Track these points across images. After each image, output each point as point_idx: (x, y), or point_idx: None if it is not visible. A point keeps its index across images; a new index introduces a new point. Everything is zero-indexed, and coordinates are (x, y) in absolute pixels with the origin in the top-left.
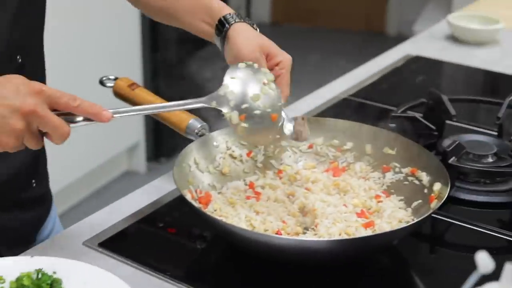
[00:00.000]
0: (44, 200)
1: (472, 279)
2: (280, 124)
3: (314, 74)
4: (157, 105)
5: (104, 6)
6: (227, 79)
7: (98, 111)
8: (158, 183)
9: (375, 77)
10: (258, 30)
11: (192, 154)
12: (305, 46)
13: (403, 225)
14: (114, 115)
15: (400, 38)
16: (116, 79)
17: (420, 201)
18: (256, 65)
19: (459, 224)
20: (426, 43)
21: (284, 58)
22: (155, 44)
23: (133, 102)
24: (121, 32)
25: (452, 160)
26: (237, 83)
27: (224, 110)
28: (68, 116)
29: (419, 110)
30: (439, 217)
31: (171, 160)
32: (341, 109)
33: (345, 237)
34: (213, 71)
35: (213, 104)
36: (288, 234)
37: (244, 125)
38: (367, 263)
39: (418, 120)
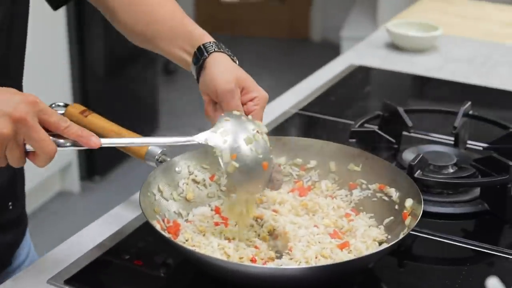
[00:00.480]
0: (20, 222)
1: None
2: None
3: None
4: (146, 140)
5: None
6: (221, 120)
7: (88, 136)
8: (116, 212)
9: (323, 89)
10: (237, 62)
11: (155, 182)
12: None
13: (384, 245)
14: (103, 144)
15: (326, 44)
16: (66, 105)
17: (392, 217)
18: (250, 117)
19: (425, 237)
20: (367, 51)
21: (260, 94)
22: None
23: (87, 129)
24: (49, 55)
25: (417, 174)
26: (231, 124)
27: (216, 146)
28: (55, 138)
29: (375, 123)
30: None
31: (105, 178)
32: (294, 124)
33: (327, 262)
34: (144, 80)
35: (204, 141)
36: (262, 259)
37: (235, 164)
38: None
39: (377, 133)
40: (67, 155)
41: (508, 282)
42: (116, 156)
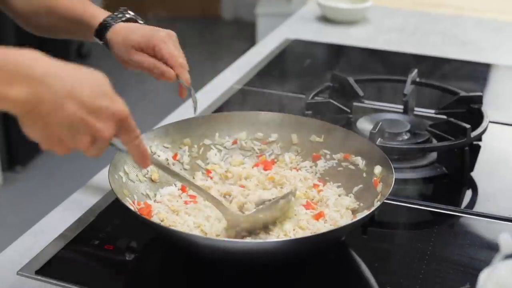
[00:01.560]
0: None
1: (496, 259)
2: None
3: None
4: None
5: None
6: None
7: (147, 156)
8: (75, 198)
9: (263, 64)
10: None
11: (120, 164)
12: None
13: (365, 212)
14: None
15: (238, 22)
16: None
17: (361, 185)
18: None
19: (386, 202)
20: (300, 25)
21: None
22: None
23: None
24: None
25: (379, 141)
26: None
27: None
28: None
29: (325, 94)
30: None
31: (27, 168)
32: (241, 100)
33: (305, 234)
34: None
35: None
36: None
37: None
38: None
39: (332, 103)
40: None
41: (473, 240)
42: (37, 144)
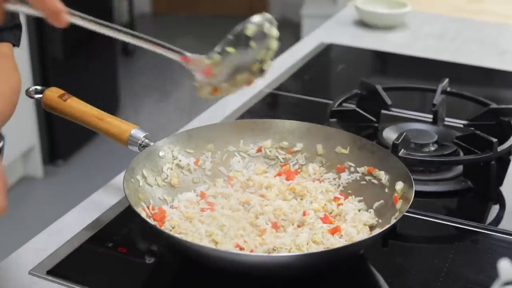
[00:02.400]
0: None
1: (495, 287)
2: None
3: None
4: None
5: None
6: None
7: (60, 9)
8: (95, 198)
9: (295, 68)
10: None
11: (139, 168)
12: (188, 35)
13: (378, 230)
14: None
15: (285, 22)
16: (43, 90)
17: (382, 201)
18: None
19: (409, 216)
20: (336, 29)
21: None
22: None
23: (66, 113)
24: None
25: (402, 152)
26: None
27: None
28: None
29: (353, 101)
30: None
31: (68, 162)
32: (270, 104)
33: (318, 248)
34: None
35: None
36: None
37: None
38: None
39: (357, 112)
40: (29, 139)
41: (494, 258)
42: (79, 139)
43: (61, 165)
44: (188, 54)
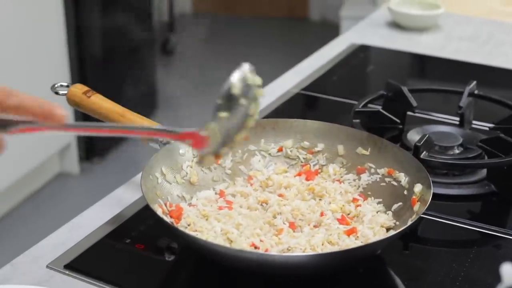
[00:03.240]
0: None
1: None
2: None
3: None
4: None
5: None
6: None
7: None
8: (117, 194)
9: (324, 69)
10: None
11: (158, 165)
12: (228, 35)
13: (392, 232)
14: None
15: (325, 23)
16: (68, 86)
17: (400, 203)
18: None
19: (431, 219)
20: (369, 31)
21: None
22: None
23: (89, 110)
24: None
25: (423, 155)
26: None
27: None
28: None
29: (378, 102)
30: None
31: (104, 159)
32: (297, 104)
33: (333, 249)
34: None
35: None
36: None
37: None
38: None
39: (381, 113)
40: (66, 136)
41: None
42: (115, 138)
43: (97, 162)
44: (181, 130)
